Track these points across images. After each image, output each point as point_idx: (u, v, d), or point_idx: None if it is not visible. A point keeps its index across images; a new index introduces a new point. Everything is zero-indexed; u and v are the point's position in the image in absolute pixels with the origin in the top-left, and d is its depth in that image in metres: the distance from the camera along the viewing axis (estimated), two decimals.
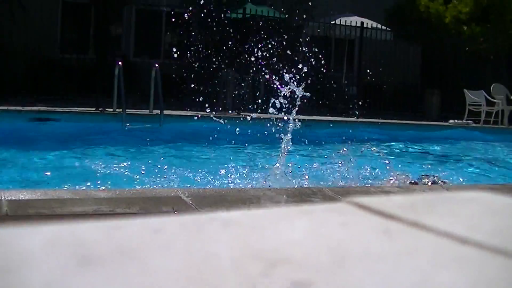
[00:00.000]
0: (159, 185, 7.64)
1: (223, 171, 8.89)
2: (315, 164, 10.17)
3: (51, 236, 0.83)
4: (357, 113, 19.50)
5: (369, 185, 8.09)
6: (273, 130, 14.36)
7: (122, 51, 24.23)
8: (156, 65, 15.65)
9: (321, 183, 8.36)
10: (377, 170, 9.70)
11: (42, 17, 20.01)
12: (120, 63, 15.36)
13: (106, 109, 15.78)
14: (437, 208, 1.14)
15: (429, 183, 8.70)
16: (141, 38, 24.74)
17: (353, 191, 6.08)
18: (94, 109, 15.85)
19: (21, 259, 0.74)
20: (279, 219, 1.01)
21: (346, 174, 9.08)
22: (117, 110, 15.40)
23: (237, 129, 15.02)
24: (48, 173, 8.39)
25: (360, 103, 20.32)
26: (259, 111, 19.00)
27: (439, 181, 8.84)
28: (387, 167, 9.96)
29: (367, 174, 9.32)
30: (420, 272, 0.83)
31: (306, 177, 8.82)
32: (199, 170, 8.97)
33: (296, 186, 7.68)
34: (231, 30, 21.95)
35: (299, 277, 0.77)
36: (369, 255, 0.88)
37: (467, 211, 1.17)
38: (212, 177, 8.51)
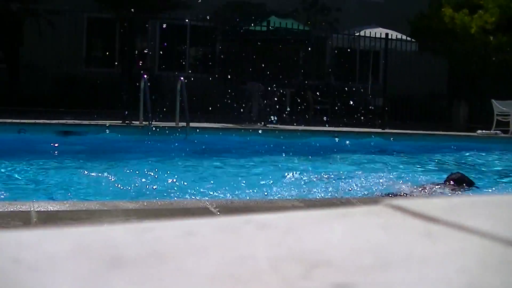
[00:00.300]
0: (187, 197, 7.63)
1: (250, 183, 8.86)
2: (343, 174, 10.11)
3: (81, 238, 0.80)
4: (382, 123, 19.42)
5: (398, 196, 8.02)
6: (299, 142, 14.35)
7: (147, 65, 24.31)
8: (181, 78, 15.65)
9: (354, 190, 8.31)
10: (404, 179, 9.63)
11: (69, 33, 20.13)
12: (145, 76, 15.39)
13: (133, 122, 15.81)
14: (479, 210, 1.10)
15: (454, 181, 8.66)
16: (166, 52, 24.79)
17: (381, 200, 6.02)
18: (120, 122, 15.88)
19: (52, 260, 0.71)
20: (316, 222, 0.97)
21: (375, 183, 9.03)
22: (143, 123, 15.41)
23: (263, 141, 15.00)
24: (76, 185, 8.39)
25: (386, 114, 20.23)
26: (285, 122, 18.98)
27: (465, 179, 8.80)
28: (415, 177, 9.90)
29: (395, 183, 9.25)
30: (467, 275, 0.79)
31: (340, 186, 8.80)
32: (226, 182, 8.93)
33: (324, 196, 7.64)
34: (255, 43, 21.96)
35: (341, 279, 0.73)
36: (411, 258, 0.84)
37: (509, 213, 1.13)
38: (239, 188, 8.47)
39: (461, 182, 8.66)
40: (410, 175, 10.18)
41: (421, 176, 9.86)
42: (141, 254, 0.76)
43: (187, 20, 21.50)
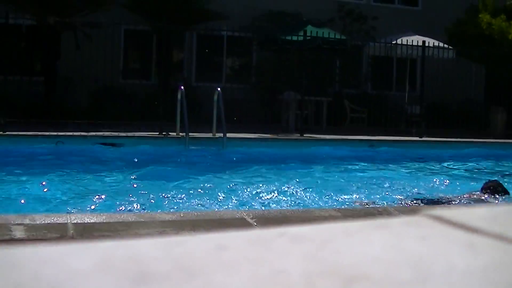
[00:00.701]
0: (226, 207, 7.63)
1: (289, 193, 8.82)
2: (379, 182, 10.06)
3: (106, 253, 0.77)
4: (419, 131, 19.26)
5: (436, 205, 7.95)
6: (338, 151, 14.28)
7: (184, 76, 24.37)
8: (218, 89, 15.65)
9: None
10: (441, 187, 9.58)
11: (105, 46, 20.27)
12: (182, 87, 15.42)
13: (170, 133, 15.86)
14: None
15: (490, 189, 8.57)
16: (202, 63, 24.86)
17: (420, 210, 5.96)
18: (157, 133, 15.96)
19: (74, 276, 0.68)
20: (352, 233, 0.93)
21: (412, 191, 9.00)
22: (180, 134, 15.45)
23: (300, 150, 14.98)
24: (115, 196, 8.41)
25: (423, 122, 20.07)
26: (322, 131, 18.93)
27: (500, 187, 8.72)
28: (452, 185, 9.84)
29: (432, 191, 9.19)
30: None
31: (376, 195, 8.78)
32: (263, 192, 8.91)
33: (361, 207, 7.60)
34: (292, 52, 21.95)
35: None
36: (453, 271, 0.80)
37: None
38: (277, 198, 8.45)
39: (498, 191, 8.58)
40: (447, 183, 10.12)
41: (458, 184, 9.79)
42: (168, 270, 0.72)
43: (223, 31, 21.54)
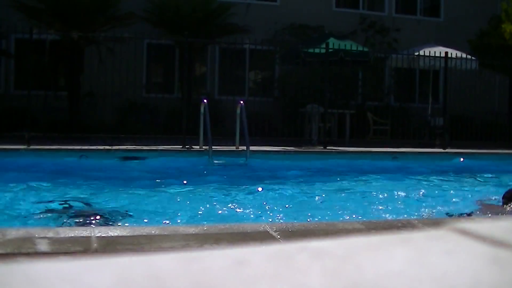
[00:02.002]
0: (250, 220, 7.61)
1: (312, 206, 8.81)
2: (402, 194, 10.02)
3: (125, 269, 0.75)
4: (442, 143, 19.16)
5: (460, 217, 7.90)
6: (360, 163, 14.25)
7: (207, 89, 24.44)
8: (241, 102, 15.66)
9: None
10: (465, 198, 9.54)
11: (128, 60, 20.33)
12: (205, 101, 15.47)
13: (193, 147, 15.88)
14: None
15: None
16: (225, 76, 24.87)
17: (443, 223, 5.92)
18: (180, 147, 15.98)
19: None
20: (375, 248, 0.92)
21: (436, 203, 8.95)
22: (203, 147, 15.47)
23: (324, 163, 14.94)
24: (137, 210, 8.42)
25: (447, 133, 19.98)
26: (345, 144, 18.89)
27: None
28: (475, 196, 9.78)
29: (456, 203, 9.15)
30: None
31: (398, 206, 8.75)
32: (289, 205, 8.90)
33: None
34: (314, 65, 21.92)
35: None
36: (479, 287, 0.78)
37: None
38: (300, 212, 8.42)
39: None
40: (470, 194, 10.07)
41: (482, 196, 9.73)
42: (186, 286, 0.71)
43: (245, 44, 21.56)
